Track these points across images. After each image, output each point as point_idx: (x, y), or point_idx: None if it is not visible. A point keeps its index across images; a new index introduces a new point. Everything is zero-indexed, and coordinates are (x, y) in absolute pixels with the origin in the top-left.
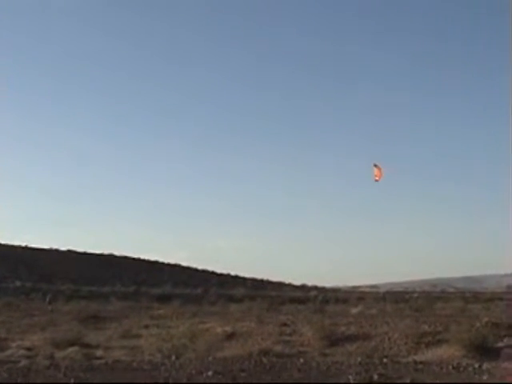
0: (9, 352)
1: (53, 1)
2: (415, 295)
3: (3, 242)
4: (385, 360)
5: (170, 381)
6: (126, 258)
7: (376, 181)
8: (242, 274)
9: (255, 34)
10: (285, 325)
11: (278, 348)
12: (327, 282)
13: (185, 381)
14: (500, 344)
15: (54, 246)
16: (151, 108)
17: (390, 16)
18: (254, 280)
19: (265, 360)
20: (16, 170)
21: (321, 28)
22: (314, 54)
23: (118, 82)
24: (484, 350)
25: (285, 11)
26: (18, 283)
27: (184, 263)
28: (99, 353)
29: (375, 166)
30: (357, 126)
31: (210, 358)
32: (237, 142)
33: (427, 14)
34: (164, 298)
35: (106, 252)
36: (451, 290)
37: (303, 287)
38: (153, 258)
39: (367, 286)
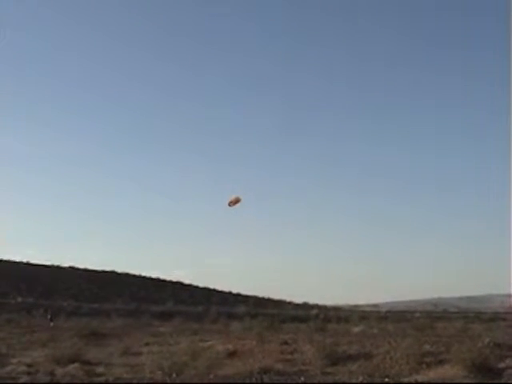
0: (9, 368)
1: None
2: (417, 315)
3: (5, 258)
4: (386, 380)
5: None
6: (127, 275)
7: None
8: (243, 292)
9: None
10: (286, 343)
11: (279, 366)
12: (328, 301)
13: None
14: (502, 365)
15: (56, 263)
16: (162, 123)
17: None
18: (255, 298)
19: (266, 378)
20: (19, 185)
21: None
22: None
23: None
24: (486, 371)
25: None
26: (19, 299)
27: (185, 281)
28: (100, 370)
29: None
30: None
31: (211, 376)
32: (238, 158)
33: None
34: (165, 316)
35: (107, 269)
36: (453, 309)
37: (304, 306)
38: (154, 276)
39: (368, 305)
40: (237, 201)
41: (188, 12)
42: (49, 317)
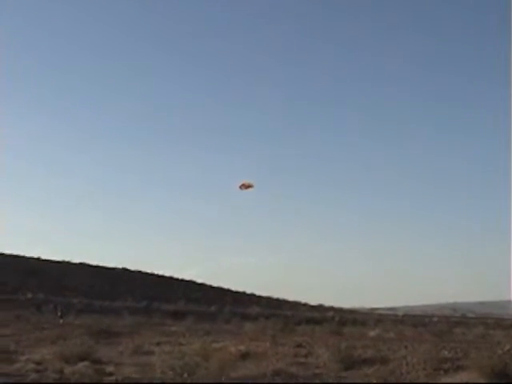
0: (18, 365)
1: None
2: (434, 319)
3: (15, 253)
4: None
5: None
6: (139, 272)
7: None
8: (257, 292)
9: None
10: (300, 346)
11: (293, 369)
12: (344, 303)
13: None
14: None
15: (67, 259)
16: (173, 118)
17: None
18: (269, 299)
19: (279, 381)
20: (29, 180)
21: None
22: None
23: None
24: (505, 378)
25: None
26: (28, 295)
27: (198, 280)
28: (110, 369)
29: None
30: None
31: (223, 378)
32: (253, 158)
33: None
34: (177, 315)
35: (119, 266)
36: (472, 315)
37: (320, 307)
38: (167, 274)
39: (385, 309)
40: (249, 186)
41: (189, 5)
42: (59, 314)
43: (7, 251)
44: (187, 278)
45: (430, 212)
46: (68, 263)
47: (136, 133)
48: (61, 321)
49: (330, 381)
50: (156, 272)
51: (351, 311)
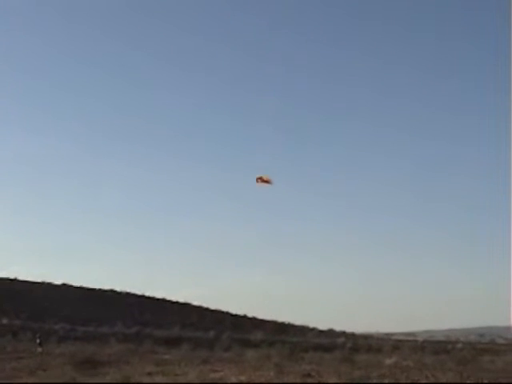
0: None
1: None
2: (459, 345)
3: None
4: None
5: None
6: (128, 294)
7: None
8: (260, 315)
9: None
10: (308, 375)
11: None
12: (357, 328)
13: None
14: None
15: (47, 280)
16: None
17: None
18: (273, 323)
19: None
20: (8, 195)
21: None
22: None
23: None
24: None
25: None
26: (4, 321)
27: (194, 302)
28: None
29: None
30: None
31: None
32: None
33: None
34: (171, 342)
35: (105, 287)
36: (501, 340)
37: (330, 332)
38: (159, 296)
39: (403, 334)
40: (266, 181)
41: (187, 10)
42: (38, 341)
43: None
44: (182, 299)
45: (454, 229)
46: (48, 284)
47: (121, 146)
48: (40, 349)
49: None
50: (147, 293)
51: (365, 336)
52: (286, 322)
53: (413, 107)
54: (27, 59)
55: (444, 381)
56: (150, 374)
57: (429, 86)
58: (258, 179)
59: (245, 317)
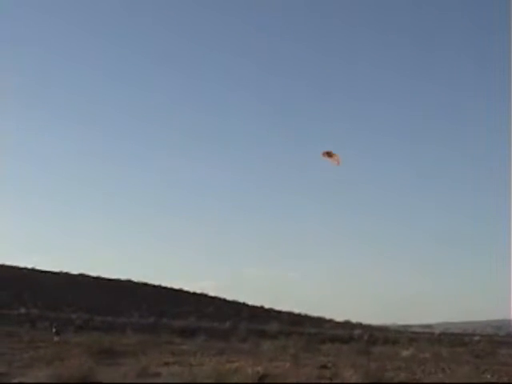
0: None
1: None
2: (476, 338)
3: (7, 263)
4: None
5: None
6: (145, 284)
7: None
8: (276, 306)
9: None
10: (324, 367)
11: None
12: (374, 320)
13: None
14: None
15: (65, 270)
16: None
17: None
18: (290, 314)
19: None
20: (25, 185)
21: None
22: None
23: None
24: None
25: None
26: (22, 310)
27: (211, 293)
28: None
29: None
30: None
31: None
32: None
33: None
34: (187, 332)
35: (122, 278)
36: None
37: (346, 324)
38: (176, 286)
39: (420, 326)
40: (333, 156)
41: (186, 14)
42: (55, 331)
43: None
44: (199, 290)
45: (471, 224)
46: (66, 274)
47: (139, 130)
48: (57, 339)
49: None
50: (164, 284)
51: (381, 328)
52: (303, 314)
53: (411, 112)
54: (27, 59)
55: (460, 374)
56: (166, 364)
57: (427, 92)
58: (325, 153)
59: (261, 308)
